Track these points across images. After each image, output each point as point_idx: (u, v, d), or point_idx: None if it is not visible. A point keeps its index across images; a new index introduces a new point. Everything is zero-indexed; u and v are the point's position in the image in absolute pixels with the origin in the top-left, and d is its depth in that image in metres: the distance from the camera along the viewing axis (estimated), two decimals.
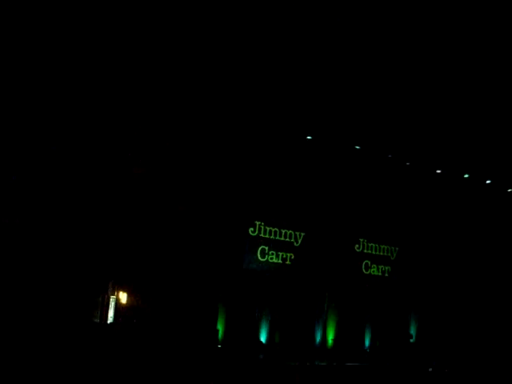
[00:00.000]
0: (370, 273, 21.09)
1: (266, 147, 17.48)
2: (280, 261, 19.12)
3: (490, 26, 12.85)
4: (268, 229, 19.07)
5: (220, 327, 16.39)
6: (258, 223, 18.86)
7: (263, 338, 18.27)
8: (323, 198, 19.55)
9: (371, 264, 21.15)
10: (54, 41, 10.43)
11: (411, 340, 19.96)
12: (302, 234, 19.72)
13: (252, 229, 18.74)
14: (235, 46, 12.89)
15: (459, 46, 13.32)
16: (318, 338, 19.44)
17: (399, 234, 21.73)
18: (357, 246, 20.92)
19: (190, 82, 13.99)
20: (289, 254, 19.33)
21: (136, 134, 13.30)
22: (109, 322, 12.63)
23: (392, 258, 21.72)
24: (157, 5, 11.59)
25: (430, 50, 13.33)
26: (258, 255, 18.77)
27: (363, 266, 20.96)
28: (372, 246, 21.29)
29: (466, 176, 19.55)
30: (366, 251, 21.12)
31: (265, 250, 18.86)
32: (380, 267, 21.35)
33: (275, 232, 19.18)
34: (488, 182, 19.86)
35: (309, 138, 17.58)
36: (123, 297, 13.29)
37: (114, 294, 13.03)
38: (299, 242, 19.65)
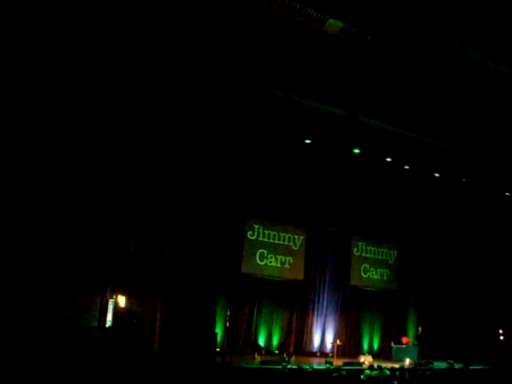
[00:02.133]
0: (369, 276, 21.14)
1: (265, 150, 17.45)
2: (279, 265, 19.15)
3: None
4: (267, 232, 19.10)
5: (219, 331, 16.37)
6: (256, 227, 18.90)
7: (262, 342, 18.28)
8: (322, 201, 19.58)
9: (370, 267, 21.19)
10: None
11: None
12: (301, 237, 19.76)
13: (251, 232, 18.78)
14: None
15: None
16: (318, 341, 19.45)
17: (398, 238, 21.79)
18: (355, 249, 20.97)
19: (187, 78, 13.95)
20: (287, 258, 19.36)
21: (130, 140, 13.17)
22: (107, 325, 12.58)
23: (390, 262, 21.76)
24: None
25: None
26: (257, 259, 18.80)
27: (362, 270, 21.00)
28: (371, 249, 21.33)
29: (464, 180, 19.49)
30: (364, 255, 21.17)
31: (264, 253, 18.90)
32: (379, 270, 21.39)
33: (274, 235, 19.21)
34: (486, 185, 19.83)
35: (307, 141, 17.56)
36: (122, 300, 13.24)
37: (112, 298, 12.97)
38: (298, 245, 19.67)
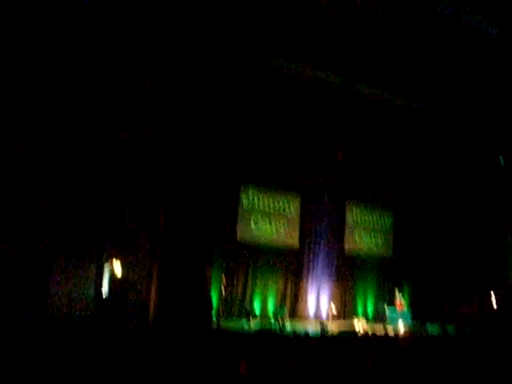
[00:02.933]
0: (363, 242, 21.25)
1: (259, 116, 17.31)
2: (274, 231, 19.19)
3: None
4: (261, 198, 19.09)
5: (214, 297, 16.49)
6: (251, 193, 18.89)
7: (257, 308, 18.43)
8: (317, 167, 19.51)
9: (364, 234, 21.30)
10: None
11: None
12: (296, 203, 19.79)
13: (246, 199, 18.77)
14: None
15: None
16: (313, 307, 19.63)
17: (392, 204, 21.84)
18: (350, 215, 21.03)
19: (180, 43, 13.76)
20: (282, 225, 19.39)
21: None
22: (103, 294, 12.62)
23: (385, 228, 21.88)
24: None
25: None
26: (252, 226, 18.82)
27: (356, 236, 21.11)
28: (365, 215, 21.40)
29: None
30: (358, 221, 21.25)
31: (258, 220, 18.92)
32: (373, 237, 21.51)
33: (269, 202, 19.21)
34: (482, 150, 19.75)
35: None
36: (117, 268, 13.22)
37: (108, 266, 12.96)
38: (292, 212, 19.69)
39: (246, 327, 15.93)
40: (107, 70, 11.20)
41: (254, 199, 18.94)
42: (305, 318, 19.28)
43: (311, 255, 19.96)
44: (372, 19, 13.47)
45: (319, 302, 19.73)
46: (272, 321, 17.35)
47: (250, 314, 17.35)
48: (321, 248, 20.12)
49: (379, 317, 19.53)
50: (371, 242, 21.41)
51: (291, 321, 17.94)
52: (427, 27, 13.64)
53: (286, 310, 18.64)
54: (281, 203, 19.49)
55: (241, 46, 14.54)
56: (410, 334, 14.35)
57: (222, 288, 16.36)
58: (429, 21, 13.35)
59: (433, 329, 16.39)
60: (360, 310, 20.63)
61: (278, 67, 15.40)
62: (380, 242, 21.57)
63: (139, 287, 14.04)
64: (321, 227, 20.20)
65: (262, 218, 19.00)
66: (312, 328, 16.28)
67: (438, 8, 12.83)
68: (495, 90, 16.44)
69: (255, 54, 14.85)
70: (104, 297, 12.75)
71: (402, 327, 17.03)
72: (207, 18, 13.33)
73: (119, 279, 13.32)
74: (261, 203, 19.04)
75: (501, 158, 19.66)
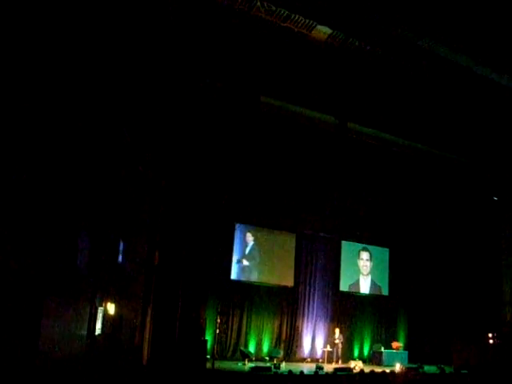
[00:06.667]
0: None
1: (254, 156, 17.42)
2: (269, 271, 19.11)
3: None
4: (256, 237, 19.08)
5: (209, 337, 16.32)
6: (246, 233, 18.89)
7: (252, 348, 18.22)
8: (312, 206, 19.56)
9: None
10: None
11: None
12: (291, 243, 19.75)
13: (240, 238, 18.75)
14: None
15: None
16: (308, 347, 19.40)
17: (387, 244, 21.82)
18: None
19: (176, 84, 13.91)
20: (277, 264, 19.32)
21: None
22: (97, 333, 12.47)
23: (380, 267, 21.78)
24: None
25: None
26: (247, 265, 18.76)
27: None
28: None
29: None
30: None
31: (253, 259, 18.86)
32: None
33: (263, 242, 19.17)
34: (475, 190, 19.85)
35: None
36: (111, 308, 13.12)
37: (101, 305, 12.85)
38: (287, 251, 19.63)
39: (240, 368, 15.72)
40: (106, 110, 11.34)
41: (248, 239, 18.93)
42: (300, 358, 19.04)
43: (306, 295, 19.85)
44: (368, 62, 13.70)
45: (315, 342, 19.54)
46: (267, 362, 17.15)
47: (244, 354, 17.15)
48: (316, 287, 20.03)
49: (375, 358, 19.31)
50: (366, 282, 21.30)
51: (286, 361, 17.73)
52: (420, 69, 13.86)
53: (282, 351, 18.46)
54: (276, 242, 19.45)
55: (236, 89, 14.74)
56: (408, 371, 14.20)
57: (217, 328, 16.18)
58: (423, 63, 13.59)
59: (430, 369, 16.23)
60: (356, 350, 20.40)
61: (273, 109, 15.58)
62: (375, 282, 21.45)
63: (133, 327, 13.88)
64: (316, 266, 20.16)
65: (256, 257, 18.95)
66: (307, 368, 16.08)
67: (434, 50, 13.04)
68: (488, 131, 16.63)
69: (250, 96, 15.04)
70: (97, 337, 12.59)
71: (398, 369, 16.80)
72: (205, 63, 13.54)
73: (113, 319, 13.18)
74: (256, 243, 19.02)
75: (495, 198, 19.78)
